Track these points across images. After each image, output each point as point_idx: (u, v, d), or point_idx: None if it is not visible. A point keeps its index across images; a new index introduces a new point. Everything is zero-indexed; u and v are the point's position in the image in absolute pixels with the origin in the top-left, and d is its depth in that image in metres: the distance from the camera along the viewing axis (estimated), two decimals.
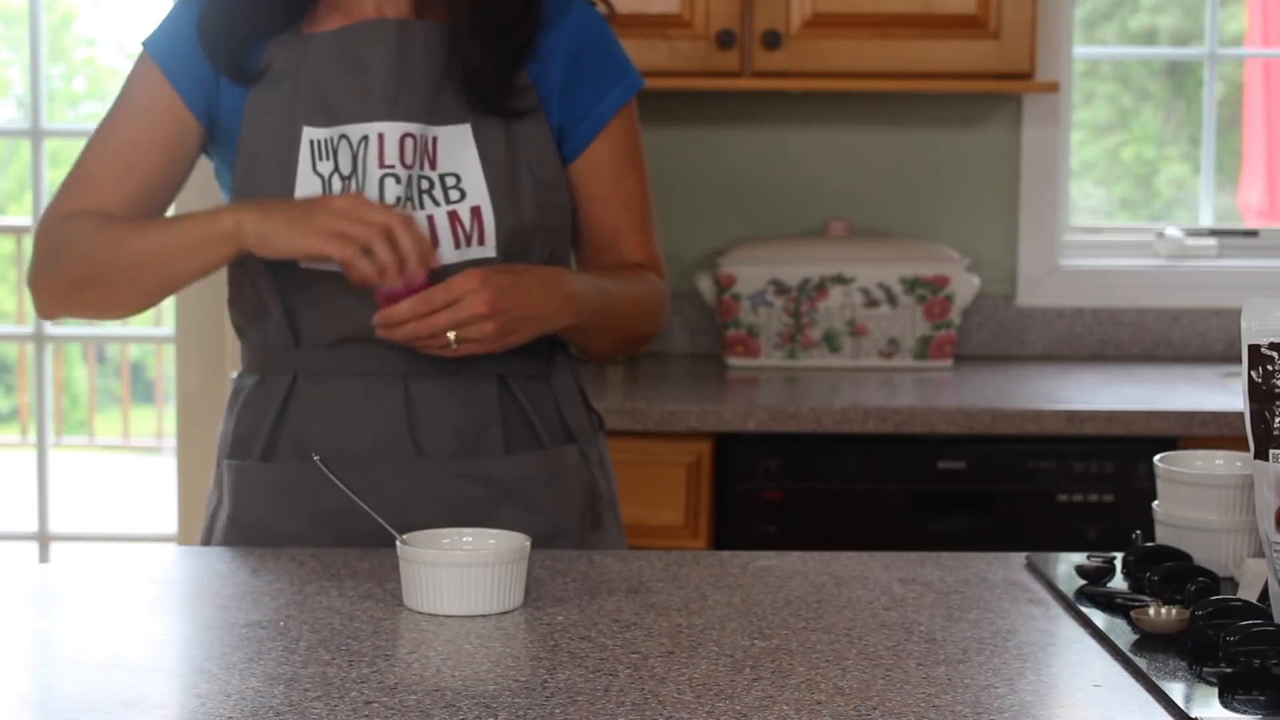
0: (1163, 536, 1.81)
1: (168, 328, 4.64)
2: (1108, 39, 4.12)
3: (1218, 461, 1.83)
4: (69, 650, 1.55)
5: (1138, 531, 1.82)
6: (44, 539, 4.25)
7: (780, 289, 3.46)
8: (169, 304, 6.77)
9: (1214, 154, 3.86)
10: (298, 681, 1.44)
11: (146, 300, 1.99)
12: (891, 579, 1.78)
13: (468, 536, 1.70)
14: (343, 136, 1.95)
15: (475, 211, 1.96)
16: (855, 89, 3.40)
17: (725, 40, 3.28)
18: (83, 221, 1.96)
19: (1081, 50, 3.88)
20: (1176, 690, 1.42)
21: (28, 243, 6.71)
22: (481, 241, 1.96)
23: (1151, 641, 1.55)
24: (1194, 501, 1.78)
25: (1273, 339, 1.52)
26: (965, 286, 3.48)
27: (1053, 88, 3.37)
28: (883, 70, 3.31)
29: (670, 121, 3.70)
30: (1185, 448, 2.91)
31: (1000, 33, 3.29)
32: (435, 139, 1.96)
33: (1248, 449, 1.54)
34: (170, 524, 4.03)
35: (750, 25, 3.31)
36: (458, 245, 1.95)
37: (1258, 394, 1.52)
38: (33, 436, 5.12)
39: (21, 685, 1.47)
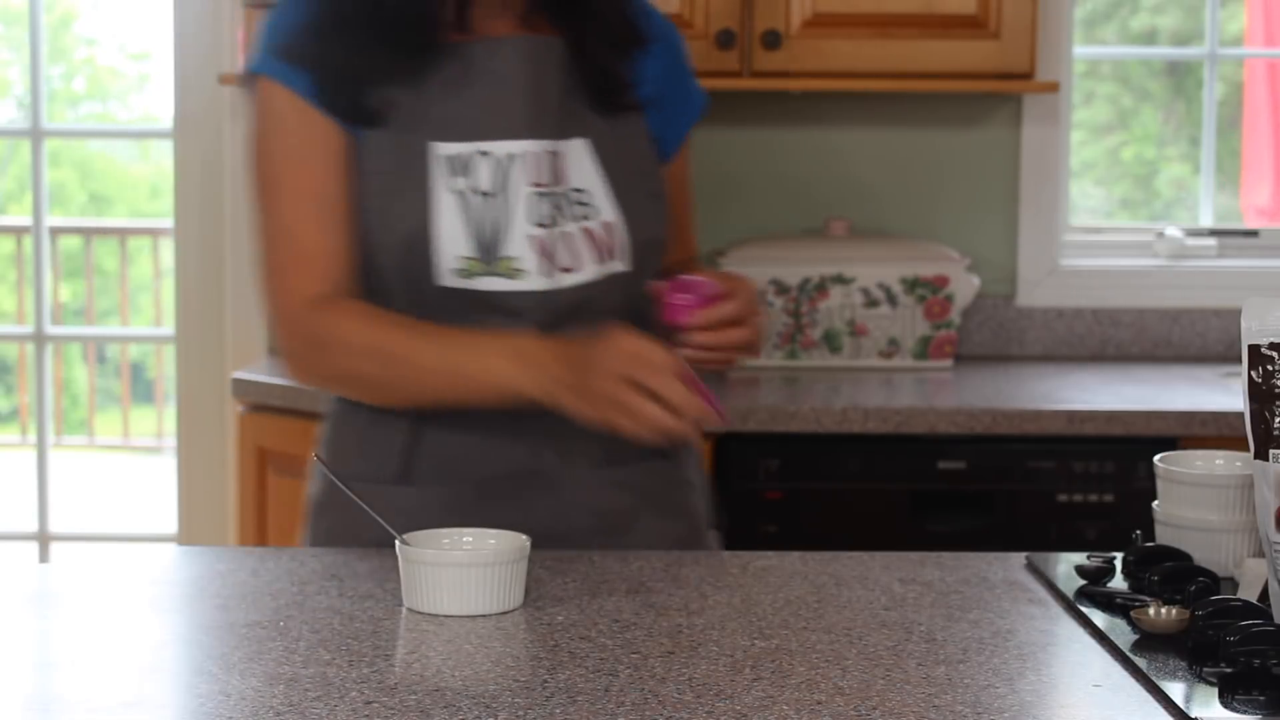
0: (1163, 536, 1.81)
1: (168, 328, 4.64)
2: (1108, 39, 4.12)
3: (1218, 461, 1.83)
4: (69, 650, 1.55)
5: (1138, 531, 1.82)
6: (44, 539, 4.25)
7: (780, 289, 3.46)
8: (169, 304, 6.76)
9: (1214, 154, 3.86)
10: (298, 681, 1.44)
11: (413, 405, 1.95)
12: (891, 579, 1.78)
13: (468, 536, 1.70)
14: (482, 153, 1.91)
15: (607, 227, 1.95)
16: (855, 89, 3.40)
17: (725, 40, 3.28)
18: (349, 321, 1.89)
19: (1081, 50, 3.88)
20: (1176, 690, 1.42)
21: (28, 243, 6.71)
22: (614, 256, 1.95)
23: (1151, 641, 1.55)
24: (1194, 501, 1.78)
25: (1273, 339, 1.52)
26: (965, 286, 3.48)
27: (1053, 88, 3.37)
28: (883, 70, 3.31)
29: None
30: (1185, 448, 2.91)
31: (1000, 33, 3.29)
32: (563, 155, 1.94)
33: (1248, 449, 1.54)
34: (170, 524, 4.03)
35: (750, 25, 3.31)
36: (599, 260, 1.94)
37: (1258, 394, 1.52)
38: (33, 436, 5.12)
39: (21, 685, 1.47)
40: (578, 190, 1.95)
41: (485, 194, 1.91)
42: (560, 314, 1.92)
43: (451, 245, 1.88)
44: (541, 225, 1.91)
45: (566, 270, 1.92)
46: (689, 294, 1.85)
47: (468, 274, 1.89)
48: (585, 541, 1.92)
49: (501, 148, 1.92)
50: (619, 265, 1.95)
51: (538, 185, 1.92)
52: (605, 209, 1.95)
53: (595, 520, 1.94)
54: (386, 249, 1.90)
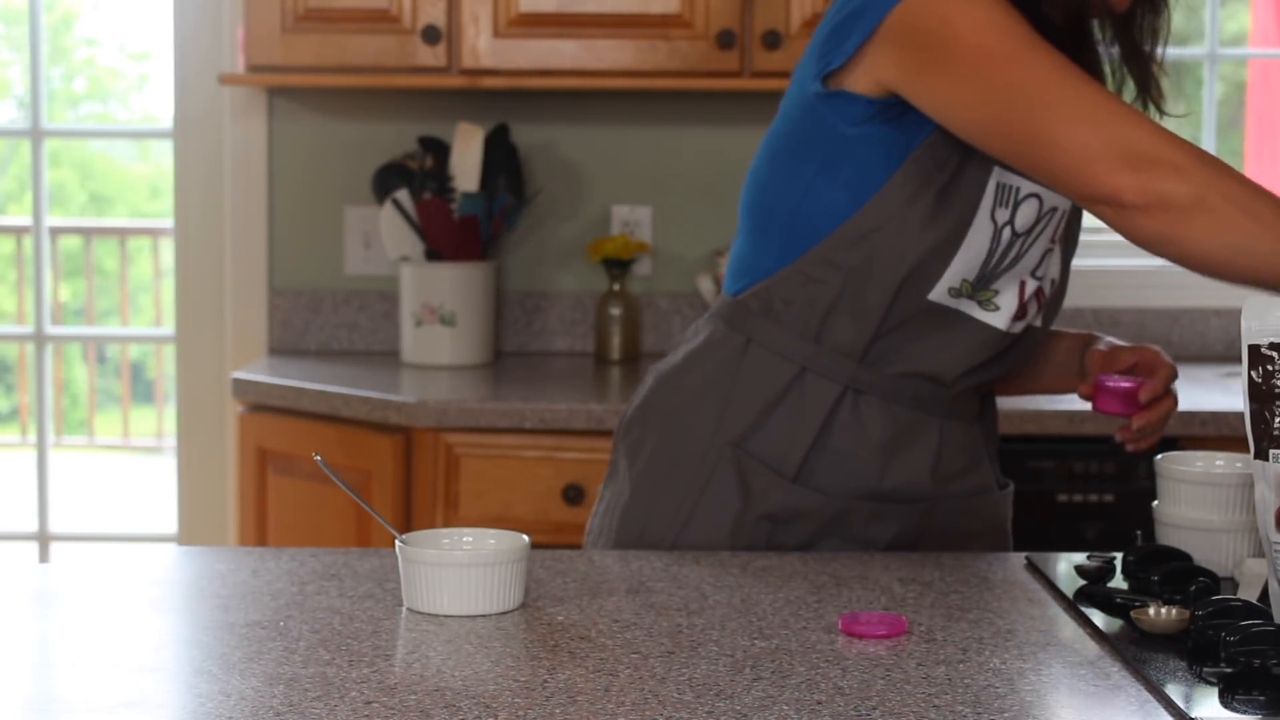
0: (1163, 536, 1.81)
1: (168, 328, 4.64)
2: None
3: (1218, 462, 1.83)
4: (69, 650, 1.55)
5: (1138, 531, 1.83)
6: (44, 539, 4.25)
7: None
8: (169, 304, 6.75)
9: (1214, 154, 3.85)
10: (298, 681, 1.44)
11: None
12: (891, 579, 1.78)
13: (468, 536, 1.70)
14: (1033, 196, 1.87)
15: (1053, 284, 1.97)
16: None
17: (725, 40, 3.28)
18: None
19: None
20: (1176, 690, 1.42)
21: (28, 243, 6.72)
22: (1041, 311, 1.98)
23: (1151, 641, 1.54)
24: (1194, 501, 1.78)
25: (1273, 339, 1.52)
26: None
27: None
28: None
29: (670, 121, 3.70)
30: (1185, 448, 2.91)
31: None
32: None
33: (1248, 449, 1.54)
34: (170, 524, 4.03)
35: (750, 25, 3.31)
36: (1033, 313, 1.97)
37: (1258, 394, 1.52)
38: (33, 436, 5.12)
39: (21, 685, 1.47)
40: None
41: (1017, 233, 1.88)
42: (999, 353, 1.95)
43: (963, 268, 1.88)
44: (1035, 276, 1.93)
45: (1019, 318, 1.94)
46: (1121, 389, 1.94)
47: (957, 294, 1.89)
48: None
49: (1051, 199, 1.89)
50: (1038, 321, 1.98)
51: (1052, 245, 1.94)
52: (1054, 269, 1.96)
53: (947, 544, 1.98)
54: (911, 245, 1.87)
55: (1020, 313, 1.93)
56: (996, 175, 1.86)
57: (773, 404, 1.93)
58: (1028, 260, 1.91)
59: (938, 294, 1.88)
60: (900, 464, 1.93)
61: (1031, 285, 1.93)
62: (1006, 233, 1.88)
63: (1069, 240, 1.99)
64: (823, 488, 1.92)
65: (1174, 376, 1.96)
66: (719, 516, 1.93)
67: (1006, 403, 3.05)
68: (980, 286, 1.90)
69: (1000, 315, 1.92)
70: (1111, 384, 1.94)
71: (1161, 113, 1.94)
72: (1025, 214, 1.88)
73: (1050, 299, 1.98)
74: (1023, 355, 2.01)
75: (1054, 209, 1.90)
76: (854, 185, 1.88)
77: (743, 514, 1.93)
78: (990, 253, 1.88)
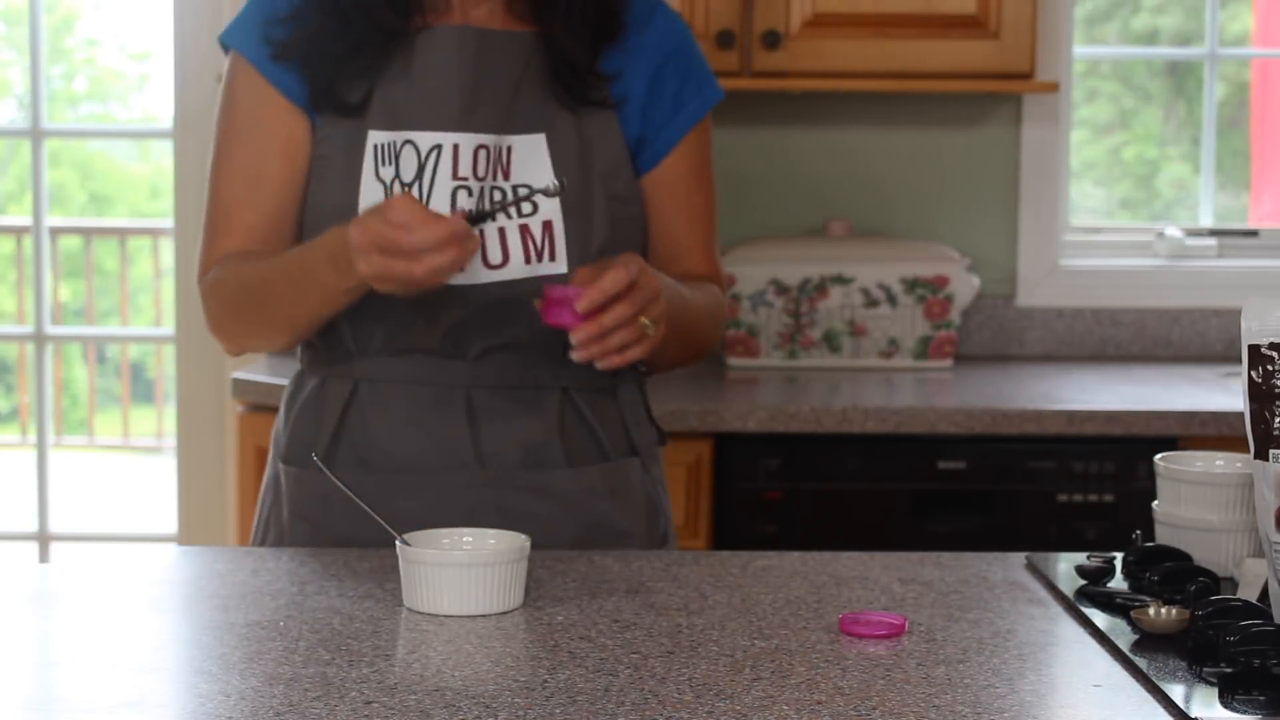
0: (1163, 536, 1.81)
1: (168, 328, 4.64)
2: (1108, 39, 4.12)
3: (1218, 462, 1.83)
4: (69, 650, 1.55)
5: (1138, 531, 1.82)
6: (44, 539, 4.25)
7: (780, 289, 3.46)
8: (169, 304, 6.76)
9: (1214, 154, 3.86)
10: (298, 681, 1.44)
11: (298, 338, 1.98)
12: (891, 579, 1.78)
13: (468, 536, 1.70)
14: (407, 142, 1.91)
15: (547, 226, 1.92)
16: (855, 89, 3.40)
17: (725, 40, 3.28)
18: (226, 269, 1.95)
19: (1081, 50, 3.88)
20: (1176, 690, 1.42)
21: (28, 243, 6.71)
22: (553, 257, 1.92)
23: (1151, 641, 1.55)
24: (1194, 501, 1.78)
25: (1273, 339, 1.52)
26: (965, 286, 3.48)
27: (1052, 88, 3.37)
28: (883, 70, 3.31)
29: None
30: (1185, 448, 2.91)
31: (1000, 33, 3.29)
32: (510, 149, 1.92)
33: (1248, 449, 1.54)
34: (170, 524, 4.03)
35: (750, 25, 3.31)
36: (528, 260, 1.91)
37: (1258, 394, 1.52)
38: (33, 436, 5.12)
39: (21, 685, 1.47)
40: (523, 186, 1.92)
41: (405, 184, 1.90)
42: (482, 309, 1.91)
43: None
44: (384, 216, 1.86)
45: (492, 267, 1.90)
46: (564, 300, 1.78)
47: None
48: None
49: (427, 138, 1.91)
50: (557, 267, 1.92)
51: (462, 179, 1.90)
52: (547, 207, 1.91)
53: (510, 523, 1.89)
54: (316, 232, 1.92)
55: None
56: (372, 138, 1.92)
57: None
58: (436, 207, 1.89)
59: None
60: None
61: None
62: (397, 187, 1.91)
63: (572, 173, 1.92)
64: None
65: (626, 281, 1.77)
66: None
67: (1006, 403, 3.06)
68: None
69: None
70: (556, 294, 1.79)
71: None
72: (408, 163, 1.91)
73: (563, 242, 1.92)
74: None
75: (436, 146, 1.90)
76: None
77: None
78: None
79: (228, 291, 1.96)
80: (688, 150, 2.03)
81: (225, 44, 2.00)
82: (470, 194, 1.91)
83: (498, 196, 1.92)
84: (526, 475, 1.95)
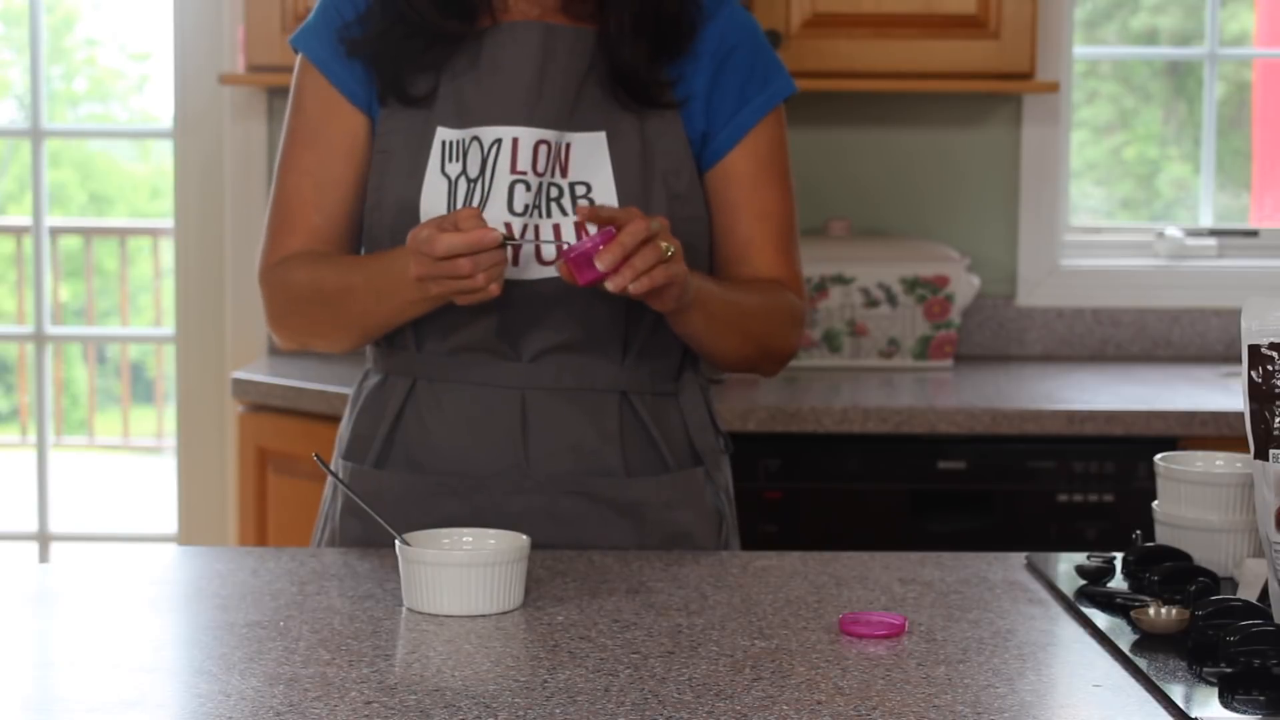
0: (1163, 536, 1.81)
1: (168, 328, 4.64)
2: (1108, 39, 4.12)
3: (1218, 462, 1.83)
4: (69, 650, 1.55)
5: (1138, 531, 1.82)
6: (44, 539, 4.25)
7: None
8: (169, 304, 6.77)
9: (1214, 154, 3.86)
10: (298, 681, 1.44)
11: (366, 341, 1.99)
12: (891, 579, 1.78)
13: (468, 536, 1.70)
14: (474, 138, 1.91)
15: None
16: (855, 89, 3.40)
17: None
18: (294, 268, 1.96)
19: (1081, 50, 3.88)
20: (1176, 690, 1.42)
21: (28, 243, 6.71)
22: None
23: (1151, 641, 1.55)
24: (1194, 501, 1.78)
25: (1273, 339, 1.52)
26: (965, 286, 3.48)
27: (1053, 88, 3.37)
28: (883, 70, 3.31)
29: None
30: (1185, 448, 2.91)
31: (1000, 33, 3.29)
32: (569, 146, 1.91)
33: (1248, 449, 1.54)
34: (170, 524, 4.03)
35: None
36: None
37: (1258, 394, 1.52)
38: (33, 436, 5.12)
39: (21, 685, 1.47)
40: (581, 184, 1.92)
41: (471, 179, 1.91)
42: (536, 306, 1.91)
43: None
44: (517, 215, 1.89)
45: (546, 264, 1.90)
46: (585, 258, 1.76)
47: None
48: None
49: (491, 133, 1.91)
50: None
51: (520, 174, 1.90)
52: (605, 205, 1.90)
53: (561, 529, 1.91)
54: (380, 227, 1.95)
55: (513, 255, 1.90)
56: (441, 135, 1.93)
57: None
58: (497, 201, 1.90)
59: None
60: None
61: (520, 224, 1.89)
62: (463, 184, 1.91)
63: (630, 172, 1.92)
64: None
65: (643, 235, 1.75)
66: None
67: (1006, 403, 3.06)
68: None
69: None
70: (575, 254, 1.76)
71: None
72: (473, 159, 1.92)
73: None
74: (606, 299, 1.90)
75: (498, 141, 1.91)
76: None
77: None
78: (452, 207, 1.91)
79: (298, 290, 1.96)
80: (754, 145, 2.01)
81: (294, 46, 2.03)
82: (528, 188, 1.90)
83: (554, 193, 1.91)
84: (581, 482, 1.93)
